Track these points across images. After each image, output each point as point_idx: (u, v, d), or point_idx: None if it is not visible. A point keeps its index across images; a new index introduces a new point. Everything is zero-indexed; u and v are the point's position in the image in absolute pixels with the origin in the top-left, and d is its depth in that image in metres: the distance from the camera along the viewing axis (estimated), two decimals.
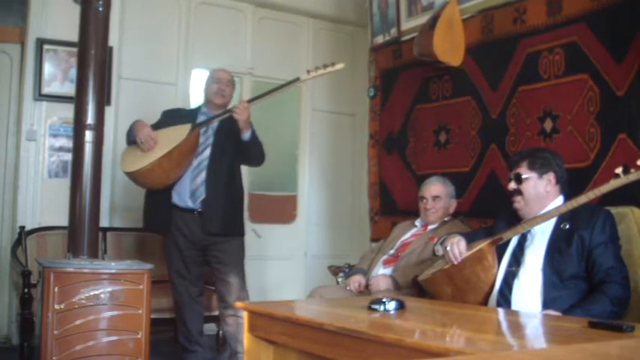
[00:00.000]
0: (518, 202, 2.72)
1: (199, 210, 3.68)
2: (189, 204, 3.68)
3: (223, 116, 3.66)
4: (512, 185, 2.74)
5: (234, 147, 3.72)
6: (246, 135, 3.64)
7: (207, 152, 3.72)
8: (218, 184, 3.68)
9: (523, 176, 2.70)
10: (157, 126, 3.73)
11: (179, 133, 3.61)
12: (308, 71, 3.69)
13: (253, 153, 3.75)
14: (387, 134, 4.49)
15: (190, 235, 3.70)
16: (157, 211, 3.74)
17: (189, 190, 3.68)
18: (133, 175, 3.62)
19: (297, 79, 3.69)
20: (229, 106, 3.77)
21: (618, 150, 2.97)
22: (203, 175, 3.68)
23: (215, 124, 3.74)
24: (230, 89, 3.84)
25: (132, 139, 3.69)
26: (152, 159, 3.53)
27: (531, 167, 2.70)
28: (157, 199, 3.72)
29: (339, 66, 3.63)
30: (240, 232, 3.82)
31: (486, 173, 3.68)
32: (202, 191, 3.67)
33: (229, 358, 3.84)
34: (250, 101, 3.70)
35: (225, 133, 3.74)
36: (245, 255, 3.88)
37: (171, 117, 3.80)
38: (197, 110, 3.90)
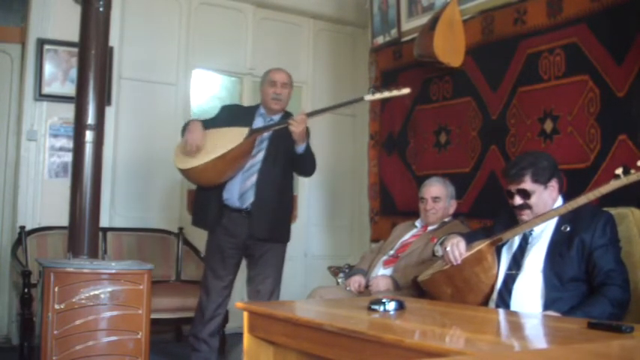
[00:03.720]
0: (527, 215, 2.66)
1: (248, 210, 3.61)
2: (238, 205, 3.63)
3: (279, 126, 3.58)
4: (518, 201, 2.67)
5: (288, 154, 3.64)
6: (300, 148, 3.56)
7: (261, 156, 3.65)
8: (268, 188, 3.61)
9: (530, 191, 2.65)
10: (214, 121, 3.69)
11: (236, 136, 3.54)
12: (373, 92, 3.59)
13: (305, 165, 3.71)
14: (387, 135, 4.49)
15: (236, 233, 3.64)
16: (208, 208, 3.69)
17: (238, 192, 3.62)
18: (185, 172, 3.62)
19: (360, 98, 3.63)
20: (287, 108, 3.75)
21: (618, 151, 2.97)
22: (254, 178, 3.61)
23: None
24: (287, 91, 3.74)
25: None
26: (206, 159, 3.49)
27: (536, 180, 2.64)
28: (208, 196, 3.67)
29: (406, 90, 3.53)
30: (285, 239, 3.75)
31: (486, 174, 3.68)
32: (251, 194, 3.60)
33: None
34: (310, 115, 3.59)
35: (279, 138, 3.66)
36: (284, 261, 3.79)
37: (230, 115, 3.75)
38: (255, 109, 3.82)
